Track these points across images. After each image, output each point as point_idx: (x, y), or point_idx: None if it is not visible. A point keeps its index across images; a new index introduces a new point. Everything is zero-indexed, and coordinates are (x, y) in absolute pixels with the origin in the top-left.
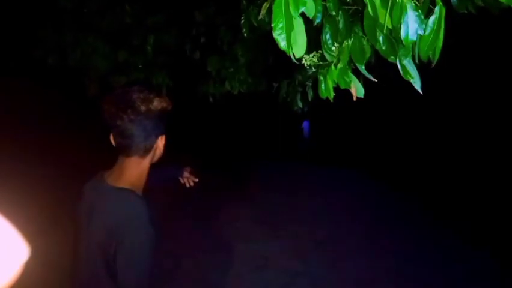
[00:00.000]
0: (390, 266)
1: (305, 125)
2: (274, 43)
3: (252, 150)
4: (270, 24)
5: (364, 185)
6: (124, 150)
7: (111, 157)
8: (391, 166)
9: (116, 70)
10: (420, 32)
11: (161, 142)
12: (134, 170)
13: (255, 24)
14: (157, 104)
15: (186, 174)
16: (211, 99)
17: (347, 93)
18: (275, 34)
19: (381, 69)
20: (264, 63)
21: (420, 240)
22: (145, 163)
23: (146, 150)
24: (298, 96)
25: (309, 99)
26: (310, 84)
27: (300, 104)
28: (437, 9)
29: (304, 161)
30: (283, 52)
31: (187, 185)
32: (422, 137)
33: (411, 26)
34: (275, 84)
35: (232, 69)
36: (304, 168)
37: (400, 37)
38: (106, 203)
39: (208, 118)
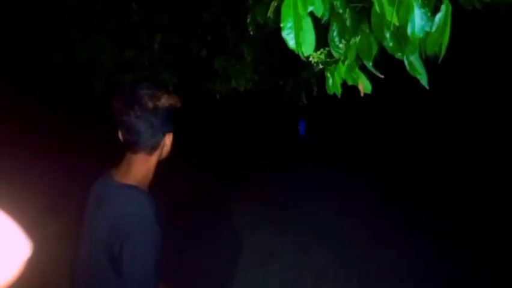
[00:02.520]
0: (392, 259)
1: (302, 124)
2: (280, 41)
3: (256, 148)
4: (276, 23)
5: (366, 181)
6: (131, 146)
7: (115, 155)
8: (393, 163)
9: (123, 68)
10: (427, 29)
11: (168, 140)
12: (140, 167)
13: (261, 22)
14: (164, 101)
15: None
16: (218, 97)
17: (353, 90)
18: (284, 34)
19: (388, 66)
20: (270, 61)
21: (423, 235)
22: (151, 160)
23: (153, 147)
24: (304, 93)
25: (314, 95)
26: (315, 81)
27: (305, 101)
28: (443, 6)
29: (306, 160)
30: (289, 50)
31: None
32: (425, 135)
33: (417, 23)
34: (281, 82)
35: (238, 67)
36: (306, 167)
37: (407, 34)
38: (112, 199)
39: (213, 115)
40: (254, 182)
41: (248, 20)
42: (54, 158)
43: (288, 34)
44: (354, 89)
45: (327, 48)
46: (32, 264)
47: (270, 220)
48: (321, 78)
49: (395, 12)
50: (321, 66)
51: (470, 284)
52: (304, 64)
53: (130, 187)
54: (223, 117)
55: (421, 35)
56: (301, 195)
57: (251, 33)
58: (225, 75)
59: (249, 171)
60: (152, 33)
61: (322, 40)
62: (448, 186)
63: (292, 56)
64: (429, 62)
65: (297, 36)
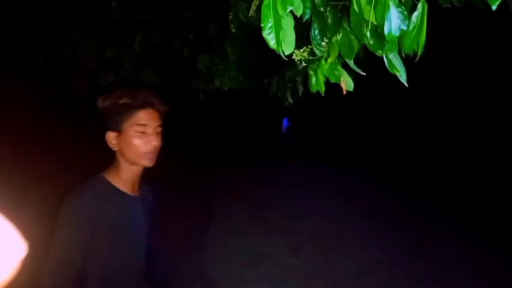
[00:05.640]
0: (382, 259)
1: (284, 122)
2: (263, 39)
3: (242, 146)
4: (259, 21)
5: (355, 179)
6: None
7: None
8: (384, 162)
9: (105, 68)
10: (404, 27)
11: (112, 137)
12: (114, 163)
13: (243, 20)
14: (100, 101)
15: None
16: (201, 96)
17: (335, 88)
18: (264, 34)
19: (370, 63)
20: (253, 60)
21: (414, 234)
22: (117, 157)
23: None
24: (289, 92)
25: (300, 94)
26: (301, 80)
27: (291, 100)
28: (419, 5)
29: (295, 157)
30: (273, 49)
31: None
32: (406, 130)
33: (394, 22)
34: (265, 81)
35: (222, 66)
36: (295, 165)
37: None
38: None
39: (198, 115)
40: (243, 183)
41: (230, 18)
42: (52, 160)
43: (268, 34)
44: (337, 86)
45: (310, 46)
46: (27, 267)
47: (259, 220)
48: (306, 76)
49: (372, 11)
50: (304, 64)
51: (467, 284)
52: (289, 62)
53: (94, 177)
54: (209, 117)
55: (397, 34)
56: (290, 194)
57: (233, 31)
58: (209, 74)
59: (238, 172)
60: (134, 32)
61: (306, 38)
62: (447, 185)
63: (275, 55)
64: (408, 59)
65: (277, 36)
